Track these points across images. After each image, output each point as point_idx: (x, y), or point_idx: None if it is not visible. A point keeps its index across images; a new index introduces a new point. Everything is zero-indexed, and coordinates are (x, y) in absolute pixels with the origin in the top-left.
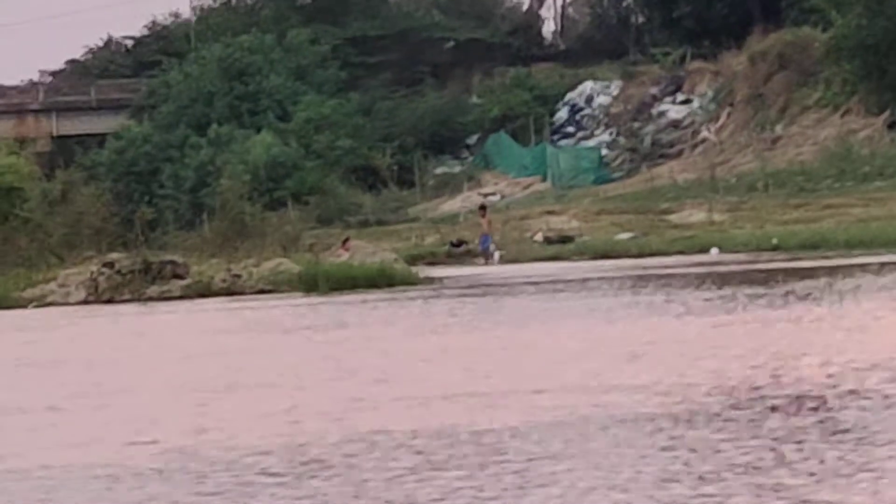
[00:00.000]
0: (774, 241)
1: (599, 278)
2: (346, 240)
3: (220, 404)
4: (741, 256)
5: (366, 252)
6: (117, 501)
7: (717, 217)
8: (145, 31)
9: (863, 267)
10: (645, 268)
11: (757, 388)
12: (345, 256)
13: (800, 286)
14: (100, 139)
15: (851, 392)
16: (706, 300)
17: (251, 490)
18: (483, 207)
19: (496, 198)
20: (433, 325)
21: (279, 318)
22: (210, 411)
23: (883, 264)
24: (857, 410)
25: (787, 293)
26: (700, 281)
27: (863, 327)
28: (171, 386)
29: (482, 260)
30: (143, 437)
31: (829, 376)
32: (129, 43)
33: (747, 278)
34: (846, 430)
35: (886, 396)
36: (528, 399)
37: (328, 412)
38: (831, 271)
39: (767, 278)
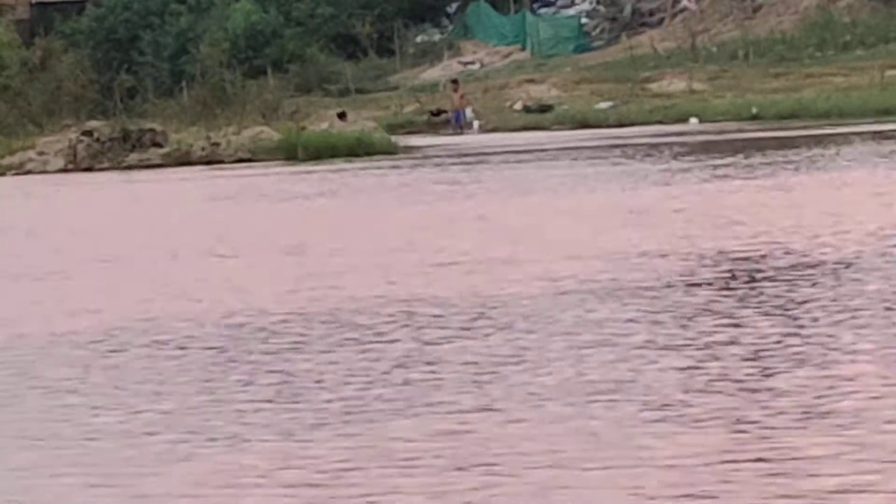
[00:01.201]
0: (754, 109)
1: (575, 148)
2: (343, 115)
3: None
4: (721, 126)
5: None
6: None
7: (697, 86)
8: None
9: (839, 137)
10: (622, 137)
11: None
12: (324, 125)
13: (773, 156)
14: (79, 6)
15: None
16: (679, 170)
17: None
18: (455, 81)
19: (476, 66)
20: (408, 195)
21: (262, 185)
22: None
23: (860, 133)
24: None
25: (755, 163)
26: (676, 150)
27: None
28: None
29: (450, 131)
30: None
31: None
32: None
33: (723, 148)
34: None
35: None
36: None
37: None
38: (805, 141)
39: (743, 147)
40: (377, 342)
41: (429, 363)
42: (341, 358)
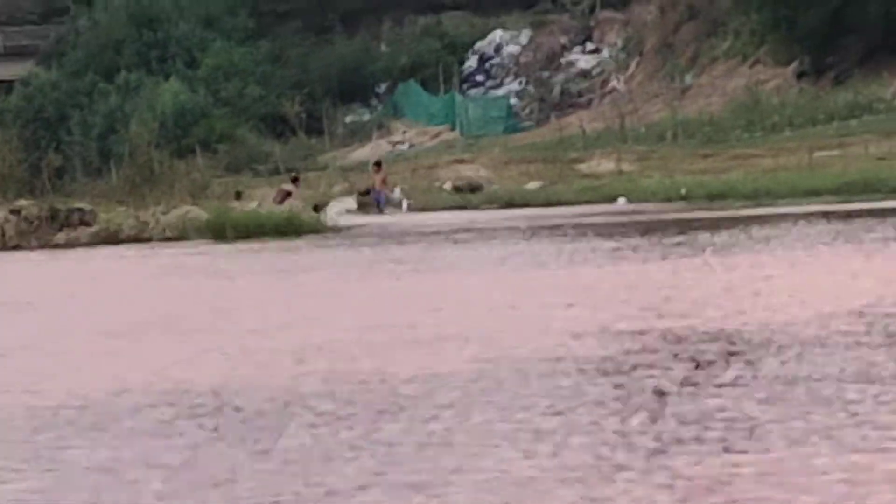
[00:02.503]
0: (683, 190)
1: (502, 227)
2: (238, 194)
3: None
4: (649, 206)
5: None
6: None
7: (626, 166)
8: None
9: (761, 218)
10: (548, 217)
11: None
12: (253, 204)
13: (694, 237)
14: (7, 86)
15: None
16: (598, 250)
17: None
18: (378, 164)
19: (405, 146)
20: (332, 274)
21: (187, 263)
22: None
23: (783, 215)
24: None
25: (678, 243)
26: (599, 230)
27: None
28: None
29: (375, 211)
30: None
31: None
32: None
33: (648, 228)
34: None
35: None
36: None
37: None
38: (725, 222)
39: (666, 227)
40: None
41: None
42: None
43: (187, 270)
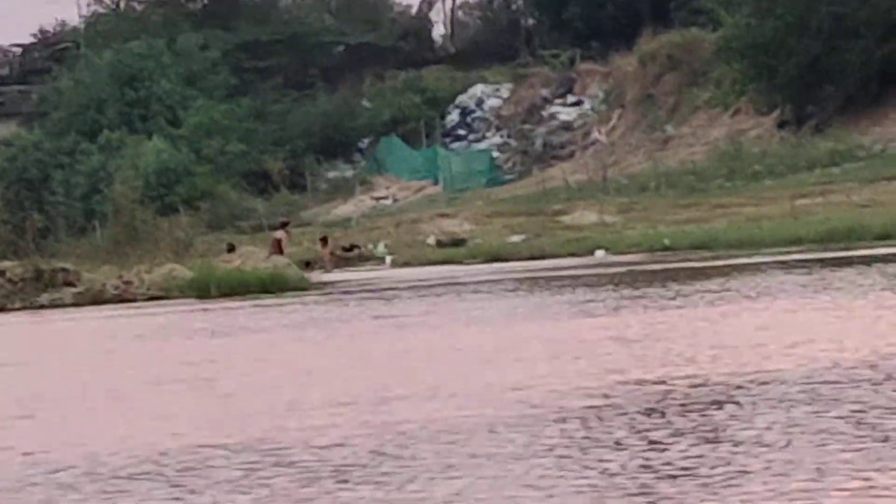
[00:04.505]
0: (666, 241)
1: (484, 281)
2: (232, 247)
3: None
4: (630, 258)
5: (258, 257)
6: None
7: (608, 218)
8: (33, 39)
9: (742, 267)
10: (531, 270)
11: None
12: (235, 262)
13: (670, 288)
14: None
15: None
16: (574, 303)
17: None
18: (324, 239)
19: (388, 201)
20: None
21: (176, 323)
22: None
23: (764, 263)
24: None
25: (664, 294)
26: (581, 282)
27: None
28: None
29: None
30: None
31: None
32: (18, 51)
33: (625, 280)
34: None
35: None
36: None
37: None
38: (712, 271)
39: (649, 279)
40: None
41: None
42: None
43: (168, 332)
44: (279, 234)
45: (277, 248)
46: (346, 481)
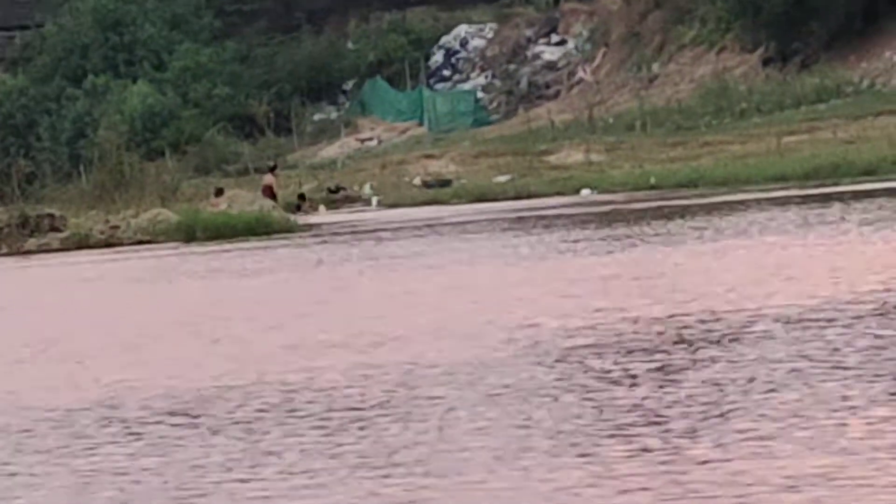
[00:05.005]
0: (652, 179)
1: (470, 222)
2: (220, 191)
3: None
4: (616, 196)
5: (245, 200)
6: None
7: (594, 157)
8: None
9: (730, 205)
10: (519, 210)
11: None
12: (221, 206)
13: (648, 227)
14: None
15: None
16: (563, 243)
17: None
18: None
19: (373, 143)
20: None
21: (160, 266)
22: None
23: (757, 200)
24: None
25: (630, 235)
26: (566, 222)
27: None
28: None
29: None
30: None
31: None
32: None
33: (611, 218)
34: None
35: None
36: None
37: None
38: (699, 209)
39: (633, 218)
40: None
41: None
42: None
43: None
44: (268, 178)
45: (269, 193)
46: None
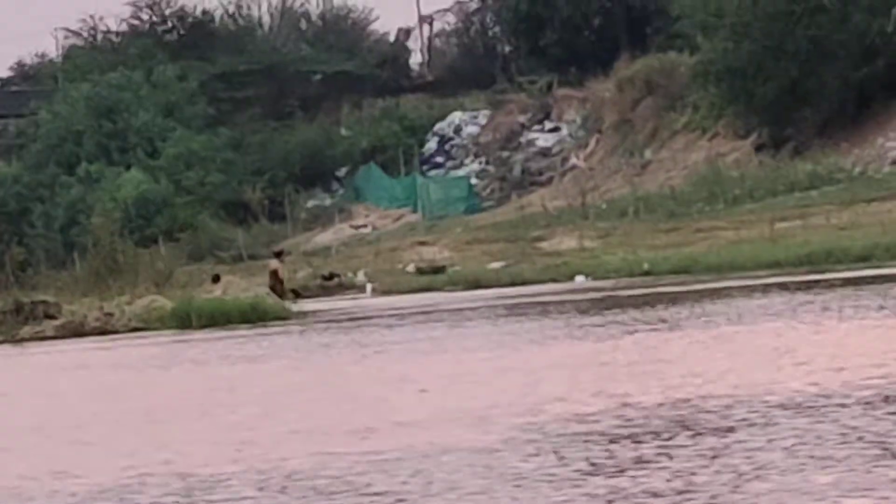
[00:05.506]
0: (646, 266)
1: (464, 308)
2: (217, 277)
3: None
4: (609, 283)
5: (238, 287)
6: None
7: (588, 243)
8: (11, 73)
9: (723, 291)
10: (511, 297)
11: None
12: (216, 293)
13: (639, 312)
14: None
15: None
16: (556, 329)
17: None
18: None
19: (367, 229)
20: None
21: (155, 355)
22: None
23: (746, 287)
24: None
25: (642, 319)
26: (558, 308)
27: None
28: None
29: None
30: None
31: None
32: None
33: (603, 305)
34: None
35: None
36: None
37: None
38: (690, 296)
39: (624, 304)
40: None
41: None
42: None
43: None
44: (274, 264)
45: (276, 278)
46: None
